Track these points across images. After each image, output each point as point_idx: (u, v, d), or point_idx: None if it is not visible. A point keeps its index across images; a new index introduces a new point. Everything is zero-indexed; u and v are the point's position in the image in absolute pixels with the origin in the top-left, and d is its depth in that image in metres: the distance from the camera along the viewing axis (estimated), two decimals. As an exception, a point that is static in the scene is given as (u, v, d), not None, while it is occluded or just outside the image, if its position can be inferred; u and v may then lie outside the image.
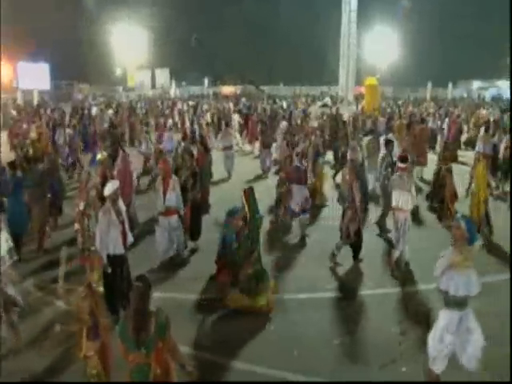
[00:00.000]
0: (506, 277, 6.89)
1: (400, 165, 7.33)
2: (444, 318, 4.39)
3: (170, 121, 19.22)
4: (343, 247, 7.57)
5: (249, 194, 6.31)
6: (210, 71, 59.02)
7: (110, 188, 5.79)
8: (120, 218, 5.78)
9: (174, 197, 7.35)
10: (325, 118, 18.98)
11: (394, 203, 7.20)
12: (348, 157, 8.96)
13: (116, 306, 5.64)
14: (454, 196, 9.32)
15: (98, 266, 6.14)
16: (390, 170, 8.60)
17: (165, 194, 7.30)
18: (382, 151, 9.98)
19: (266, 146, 14.46)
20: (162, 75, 57.04)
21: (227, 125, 15.76)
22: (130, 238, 6.01)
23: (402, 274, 7.15)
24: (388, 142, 9.49)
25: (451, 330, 4.33)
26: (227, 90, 54.05)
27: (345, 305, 6.35)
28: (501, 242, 8.26)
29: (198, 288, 6.72)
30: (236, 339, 5.49)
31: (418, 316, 5.96)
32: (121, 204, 5.92)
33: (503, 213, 9.83)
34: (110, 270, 5.70)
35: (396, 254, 7.31)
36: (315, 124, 17.75)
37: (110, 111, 22.85)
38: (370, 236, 8.37)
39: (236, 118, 20.40)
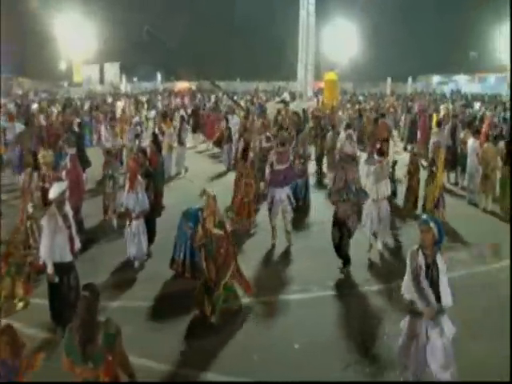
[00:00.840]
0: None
1: (378, 158, 7.95)
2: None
3: (136, 118, 19.01)
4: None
5: (213, 196, 6.25)
6: (164, 66, 58.30)
7: (55, 190, 5.61)
8: (67, 223, 5.63)
9: (134, 199, 7.34)
10: (283, 113, 19.22)
11: (375, 195, 7.68)
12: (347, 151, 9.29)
13: (63, 317, 5.48)
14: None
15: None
16: None
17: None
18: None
19: (228, 142, 14.86)
20: (112, 70, 55.75)
21: (183, 121, 15.83)
22: (78, 244, 5.87)
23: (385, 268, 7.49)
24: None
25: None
26: (182, 85, 53.61)
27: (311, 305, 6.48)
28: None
29: (152, 295, 6.65)
30: (200, 349, 5.47)
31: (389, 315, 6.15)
32: (67, 207, 5.78)
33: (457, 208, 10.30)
34: (56, 280, 5.54)
35: (379, 245, 7.80)
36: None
37: (54, 108, 22.11)
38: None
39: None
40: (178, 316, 6.11)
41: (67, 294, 5.58)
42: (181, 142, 14.35)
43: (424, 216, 4.59)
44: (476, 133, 11.41)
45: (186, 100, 30.84)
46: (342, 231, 7.21)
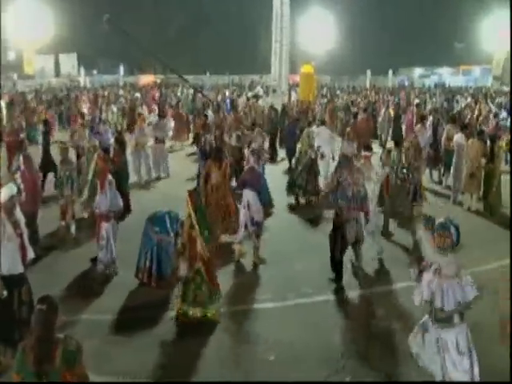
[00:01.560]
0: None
1: (365, 153, 8.05)
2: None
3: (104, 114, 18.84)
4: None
5: (194, 196, 6.19)
6: (126, 58, 57.68)
7: (4, 194, 5.47)
8: (18, 231, 5.49)
9: (105, 200, 7.36)
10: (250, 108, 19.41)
11: None
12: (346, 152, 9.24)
13: (13, 335, 5.28)
14: None
15: None
16: None
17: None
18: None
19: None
20: (69, 61, 54.83)
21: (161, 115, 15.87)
22: (31, 254, 5.73)
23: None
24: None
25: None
26: (146, 79, 53.14)
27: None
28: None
29: (117, 306, 6.56)
30: (168, 363, 5.43)
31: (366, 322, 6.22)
32: (19, 213, 5.64)
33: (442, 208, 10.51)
34: (5, 294, 5.32)
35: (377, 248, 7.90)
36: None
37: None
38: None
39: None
40: (144, 328, 6.04)
41: (18, 310, 5.40)
42: (158, 140, 13.97)
43: (443, 220, 4.41)
44: (464, 128, 11.64)
45: (156, 95, 30.61)
46: (336, 239, 7.11)
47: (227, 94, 29.79)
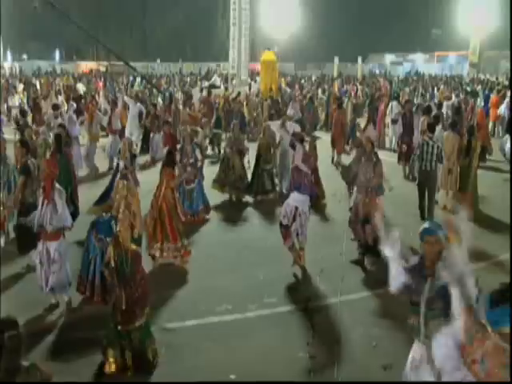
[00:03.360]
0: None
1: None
2: None
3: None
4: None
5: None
6: (63, 42, 56.53)
7: None
8: None
9: (50, 212, 6.69)
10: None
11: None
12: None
13: None
14: None
15: None
16: None
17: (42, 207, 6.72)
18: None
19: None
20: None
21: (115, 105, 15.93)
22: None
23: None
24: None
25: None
26: (87, 66, 52.30)
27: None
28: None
29: (53, 325, 6.43)
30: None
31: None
32: None
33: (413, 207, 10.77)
34: None
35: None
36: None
37: None
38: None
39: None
40: (86, 353, 5.88)
41: None
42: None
43: (428, 224, 4.32)
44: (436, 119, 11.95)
45: (100, 84, 30.23)
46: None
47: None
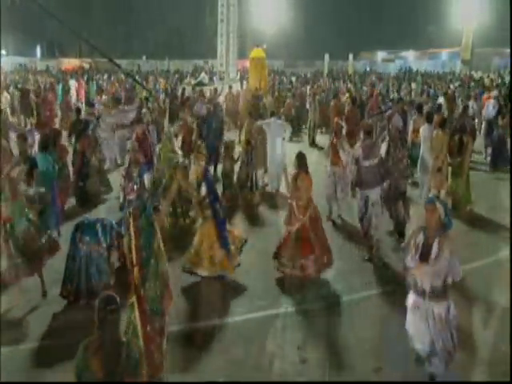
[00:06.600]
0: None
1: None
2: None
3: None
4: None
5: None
6: (45, 38, 56.21)
7: None
8: None
9: None
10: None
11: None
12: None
13: None
14: None
15: None
16: None
17: None
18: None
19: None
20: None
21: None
22: None
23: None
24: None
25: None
26: (70, 63, 52.01)
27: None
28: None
29: (37, 333, 6.38)
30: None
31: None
32: None
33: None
34: None
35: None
36: None
37: None
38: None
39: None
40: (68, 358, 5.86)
41: None
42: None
43: (430, 195, 5.36)
44: (431, 118, 11.97)
45: (82, 82, 30.00)
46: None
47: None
